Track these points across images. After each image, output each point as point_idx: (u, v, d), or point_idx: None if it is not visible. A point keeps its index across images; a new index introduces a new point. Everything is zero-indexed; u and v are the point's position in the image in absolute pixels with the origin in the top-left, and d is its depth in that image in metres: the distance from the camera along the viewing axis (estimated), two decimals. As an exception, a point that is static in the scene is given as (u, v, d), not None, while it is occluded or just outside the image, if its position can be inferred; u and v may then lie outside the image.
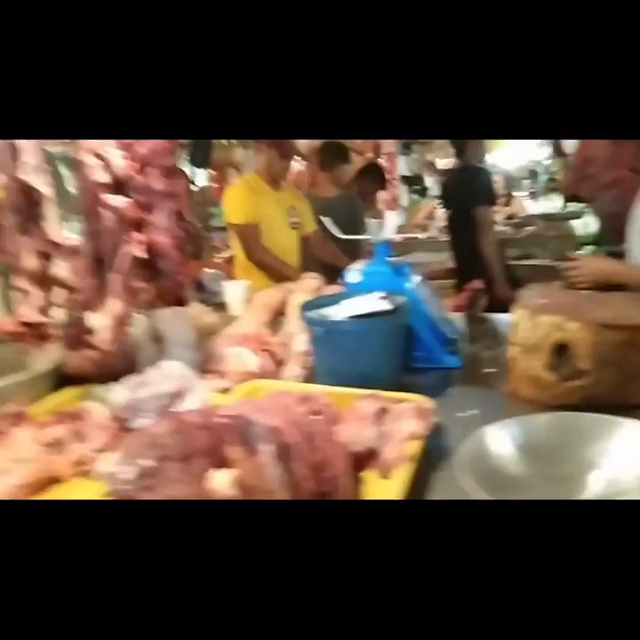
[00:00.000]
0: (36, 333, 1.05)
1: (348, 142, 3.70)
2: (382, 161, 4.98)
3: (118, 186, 0.87)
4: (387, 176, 5.05)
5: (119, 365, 1.11)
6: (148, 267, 0.92)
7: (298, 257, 2.36)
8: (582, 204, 3.02)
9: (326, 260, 2.35)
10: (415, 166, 7.26)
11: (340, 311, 1.02)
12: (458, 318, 1.37)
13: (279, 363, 1.20)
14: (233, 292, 1.60)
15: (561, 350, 0.91)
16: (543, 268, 3.44)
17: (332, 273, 1.86)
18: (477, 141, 2.84)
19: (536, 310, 0.95)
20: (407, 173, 7.11)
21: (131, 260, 0.87)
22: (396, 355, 1.03)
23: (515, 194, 4.73)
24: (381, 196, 5.06)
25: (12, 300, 1.33)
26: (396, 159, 5.26)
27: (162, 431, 0.71)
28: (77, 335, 1.02)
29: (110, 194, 0.85)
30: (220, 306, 1.68)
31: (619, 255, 1.62)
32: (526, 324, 0.96)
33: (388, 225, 1.26)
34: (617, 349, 0.88)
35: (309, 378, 1.10)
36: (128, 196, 0.87)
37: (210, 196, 4.78)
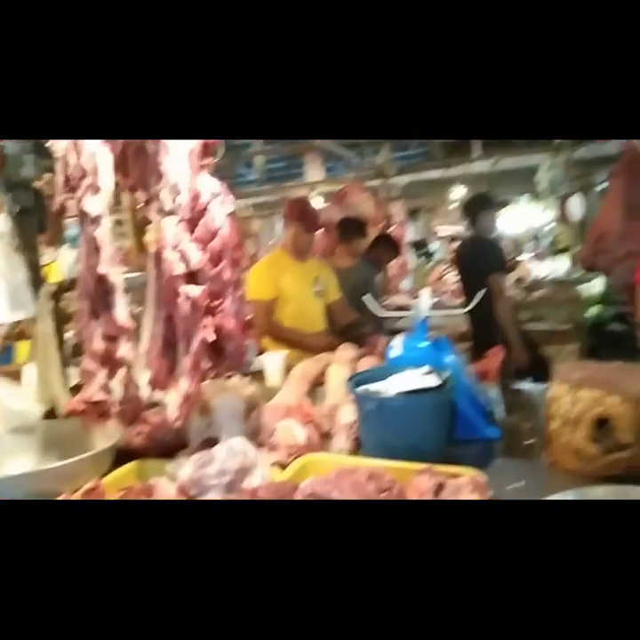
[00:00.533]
0: (99, 411, 1.12)
1: (365, 214, 3.90)
2: (394, 228, 5.18)
3: (192, 276, 0.96)
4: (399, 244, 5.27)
5: (170, 439, 1.17)
6: (216, 348, 1.00)
7: (324, 324, 2.45)
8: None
9: (348, 328, 2.44)
10: (420, 232, 7.55)
11: (389, 386, 1.08)
12: (490, 388, 1.43)
13: (323, 435, 1.25)
14: (271, 362, 1.67)
15: (602, 423, 0.97)
16: (555, 331, 3.52)
17: (353, 339, 1.96)
18: (489, 213, 3.00)
19: (576, 384, 1.02)
20: (413, 238, 7.37)
21: (202, 342, 0.95)
22: (443, 428, 1.08)
23: (519, 258, 4.89)
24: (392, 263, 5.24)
25: (69, 379, 1.41)
26: (405, 226, 5.47)
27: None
28: (134, 412, 1.09)
29: (186, 284, 0.94)
30: (254, 375, 1.74)
31: (624, 317, 1.69)
32: (566, 398, 1.02)
33: (425, 302, 1.34)
34: (656, 422, 0.94)
35: (355, 450, 1.15)
36: (201, 285, 0.96)
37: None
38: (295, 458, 1.08)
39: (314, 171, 4.74)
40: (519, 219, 6.47)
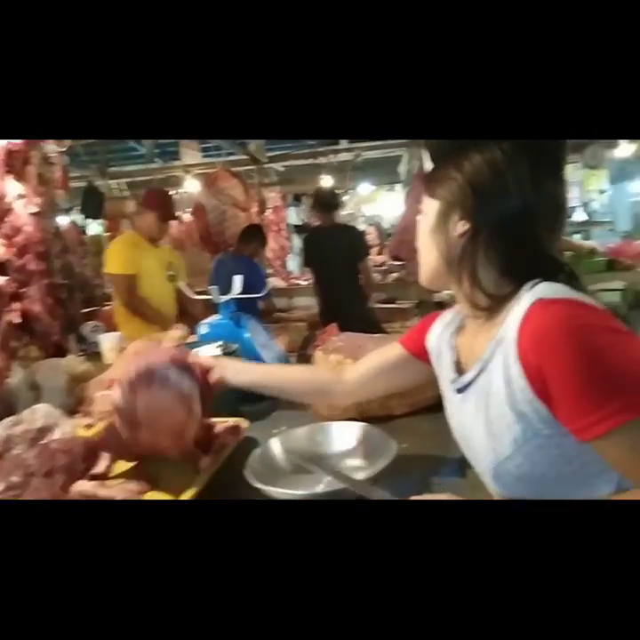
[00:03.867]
0: None
1: (236, 197, 4.07)
2: (270, 213, 5.41)
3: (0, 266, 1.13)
4: (275, 228, 5.51)
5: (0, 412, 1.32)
6: (25, 329, 1.17)
7: (175, 307, 2.63)
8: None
9: (194, 313, 2.62)
10: (304, 215, 7.88)
11: (186, 357, 1.32)
12: (290, 357, 1.73)
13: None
14: (107, 342, 1.83)
15: (342, 379, 1.28)
16: (398, 309, 3.99)
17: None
18: (334, 206, 3.36)
19: (327, 351, 1.32)
20: (298, 222, 7.68)
21: (9, 324, 1.13)
22: (231, 390, 1.34)
23: (386, 243, 5.37)
24: (271, 245, 5.49)
25: None
26: (283, 211, 5.72)
27: (28, 455, 0.97)
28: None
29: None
30: (97, 355, 1.90)
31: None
32: (321, 362, 1.32)
33: (235, 286, 1.56)
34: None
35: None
36: (7, 275, 1.13)
37: (103, 245, 4.91)
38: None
39: (190, 153, 4.80)
40: (387, 207, 7.01)
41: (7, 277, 1.11)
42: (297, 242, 7.55)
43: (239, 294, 1.54)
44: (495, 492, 0.70)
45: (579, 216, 7.26)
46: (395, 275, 4.33)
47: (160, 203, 2.62)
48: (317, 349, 1.35)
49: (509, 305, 0.65)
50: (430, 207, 0.71)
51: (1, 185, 1.13)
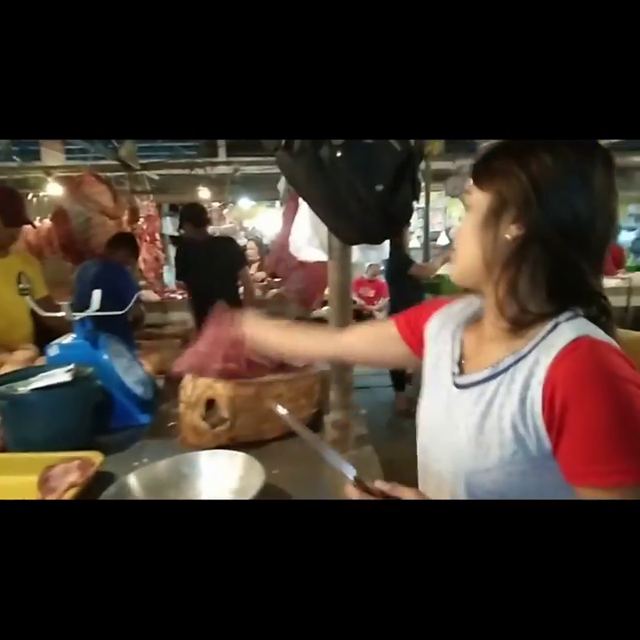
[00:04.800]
0: None
1: (104, 203, 3.77)
2: (142, 222, 5.12)
3: None
4: (148, 239, 5.22)
5: None
6: None
7: (29, 323, 2.31)
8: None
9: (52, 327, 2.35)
10: (178, 225, 7.61)
11: (30, 384, 1.16)
12: (158, 379, 1.61)
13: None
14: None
15: (211, 404, 1.21)
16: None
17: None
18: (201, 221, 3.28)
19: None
20: (174, 233, 7.39)
21: None
22: (83, 419, 1.20)
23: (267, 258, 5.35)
24: (144, 256, 5.19)
25: None
26: (157, 221, 5.45)
27: None
28: None
29: None
30: None
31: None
32: (189, 385, 1.23)
33: (94, 301, 1.41)
34: (249, 400, 1.21)
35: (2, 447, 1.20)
36: None
37: None
38: None
39: (52, 154, 4.39)
40: (269, 221, 7.03)
41: None
42: (173, 253, 7.26)
43: (98, 311, 1.40)
44: (447, 490, 0.68)
45: (442, 240, 7.90)
46: (274, 291, 4.32)
47: (4, 205, 2.30)
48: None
49: (542, 325, 0.62)
50: (480, 201, 0.64)
51: None
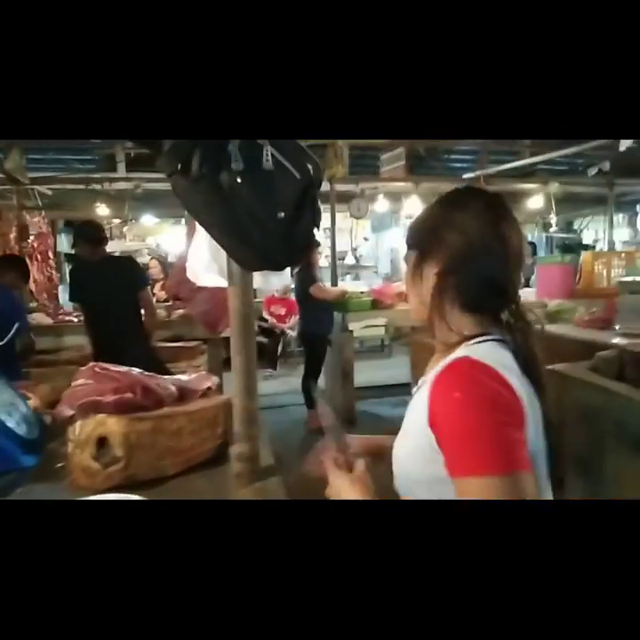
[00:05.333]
0: None
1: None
2: (33, 240, 4.76)
3: None
4: (40, 257, 4.85)
5: None
6: None
7: None
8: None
9: None
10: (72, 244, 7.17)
11: None
12: (47, 413, 1.46)
13: None
14: None
15: (103, 442, 1.11)
16: (188, 348, 3.84)
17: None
18: (89, 241, 3.11)
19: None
20: (70, 251, 6.94)
21: None
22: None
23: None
24: (35, 276, 4.81)
25: None
26: (50, 239, 5.08)
27: None
28: None
29: None
30: None
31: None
32: (78, 421, 1.13)
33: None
34: (146, 435, 1.13)
35: None
36: None
37: None
38: None
39: None
40: (171, 239, 6.83)
41: None
42: (68, 271, 6.81)
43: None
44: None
45: (349, 260, 8.12)
46: (180, 311, 4.16)
47: None
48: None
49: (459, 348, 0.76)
50: (410, 256, 0.83)
51: None
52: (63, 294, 5.96)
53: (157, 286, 4.90)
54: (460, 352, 0.73)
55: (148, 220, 6.53)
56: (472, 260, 0.75)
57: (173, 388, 1.23)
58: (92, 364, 1.24)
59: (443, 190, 0.86)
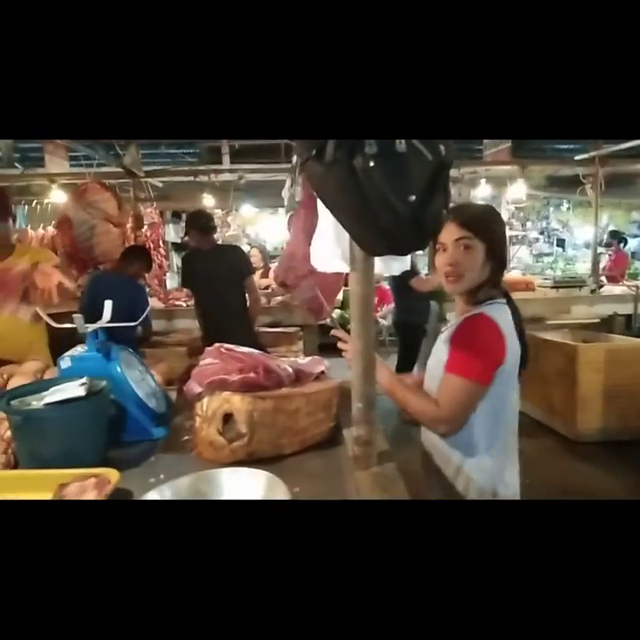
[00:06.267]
0: None
1: (108, 211, 3.74)
2: (146, 229, 5.10)
3: None
4: (152, 246, 5.20)
5: None
6: None
7: (32, 334, 2.22)
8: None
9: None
10: (183, 233, 7.59)
11: (43, 399, 1.12)
12: (172, 390, 1.57)
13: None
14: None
15: (228, 418, 1.17)
16: (287, 334, 3.95)
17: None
18: (206, 229, 3.25)
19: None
20: (176, 240, 7.38)
21: None
22: (97, 434, 1.16)
23: (271, 265, 5.32)
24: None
25: None
26: (160, 228, 5.44)
27: None
28: None
29: None
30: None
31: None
32: (205, 398, 1.20)
33: (106, 312, 1.39)
34: (267, 414, 1.18)
35: (14, 464, 1.16)
36: None
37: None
38: None
39: (56, 161, 4.37)
40: (275, 229, 7.01)
41: None
42: (176, 260, 7.24)
43: (110, 322, 1.37)
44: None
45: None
46: (279, 298, 4.28)
47: None
48: (201, 385, 1.23)
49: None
50: (477, 245, 1.18)
51: None
52: (170, 280, 6.37)
53: (257, 274, 5.07)
54: (478, 310, 1.18)
55: (247, 209, 6.77)
56: (504, 247, 1.23)
57: (291, 370, 1.26)
58: (217, 344, 1.31)
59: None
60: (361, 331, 1.06)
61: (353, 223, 0.89)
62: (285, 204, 5.14)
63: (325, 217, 1.03)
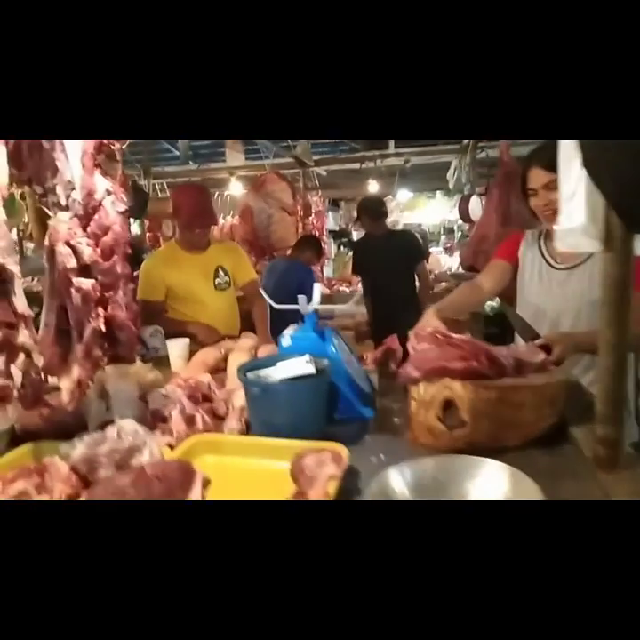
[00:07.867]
0: (-1, 396, 1.15)
1: (284, 200, 3.98)
2: (312, 217, 5.31)
3: (86, 268, 1.02)
4: (317, 233, 5.41)
5: (70, 422, 1.22)
6: (107, 337, 1.07)
7: (231, 316, 2.41)
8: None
9: (254, 317, 2.36)
10: (342, 221, 7.78)
11: (274, 373, 1.21)
12: (373, 373, 1.59)
13: (219, 417, 1.36)
14: (174, 349, 1.73)
15: (448, 405, 1.14)
16: (455, 321, 3.82)
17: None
18: (379, 214, 3.24)
19: (430, 372, 1.19)
20: (334, 228, 7.58)
21: (93, 331, 1.02)
22: (320, 409, 1.22)
23: (431, 250, 5.21)
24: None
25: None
26: (324, 216, 5.62)
27: (123, 482, 0.86)
28: (34, 395, 1.13)
29: (79, 277, 1.01)
30: (160, 361, 1.79)
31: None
32: (422, 383, 1.19)
33: (316, 296, 1.46)
34: (491, 404, 1.13)
35: (245, 431, 1.27)
36: (94, 278, 1.03)
37: (144, 244, 4.89)
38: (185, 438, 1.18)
39: (234, 155, 4.74)
40: (431, 212, 6.85)
41: (93, 281, 1.01)
42: (333, 247, 7.45)
43: (319, 305, 1.43)
44: None
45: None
46: (443, 285, 4.18)
47: (196, 208, 2.23)
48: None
49: None
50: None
51: (91, 180, 1.03)
52: (327, 268, 6.58)
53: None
54: None
55: (403, 194, 6.70)
56: None
57: (512, 360, 1.19)
58: (431, 329, 1.29)
59: None
60: (613, 317, 0.95)
61: (626, 197, 0.79)
62: (451, 186, 5.00)
63: (577, 196, 0.94)
